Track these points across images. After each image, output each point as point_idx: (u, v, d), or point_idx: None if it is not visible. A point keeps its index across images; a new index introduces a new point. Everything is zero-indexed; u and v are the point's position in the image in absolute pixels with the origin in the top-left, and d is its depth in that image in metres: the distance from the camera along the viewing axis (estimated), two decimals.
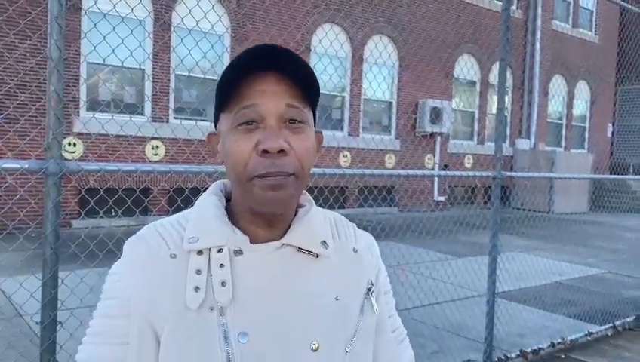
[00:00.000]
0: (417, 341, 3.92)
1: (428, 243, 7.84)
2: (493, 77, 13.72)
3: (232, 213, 0.83)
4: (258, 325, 0.76)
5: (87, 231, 3.31)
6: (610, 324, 4.49)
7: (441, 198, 12.62)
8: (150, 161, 8.48)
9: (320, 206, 0.93)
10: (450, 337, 4.10)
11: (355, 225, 0.94)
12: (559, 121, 16.04)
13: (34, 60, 7.49)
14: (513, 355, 3.70)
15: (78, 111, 8.07)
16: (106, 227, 6.58)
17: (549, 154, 13.66)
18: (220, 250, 0.78)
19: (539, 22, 14.59)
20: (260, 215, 0.79)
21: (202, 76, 8.74)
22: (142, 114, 8.64)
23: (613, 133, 17.72)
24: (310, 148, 0.79)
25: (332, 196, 9.87)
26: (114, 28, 2.92)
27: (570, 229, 10.74)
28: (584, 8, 16.38)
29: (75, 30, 7.70)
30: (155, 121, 8.61)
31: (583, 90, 16.55)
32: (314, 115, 0.83)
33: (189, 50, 4.08)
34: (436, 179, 12.36)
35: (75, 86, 7.92)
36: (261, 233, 0.80)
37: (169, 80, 8.84)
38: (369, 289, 0.87)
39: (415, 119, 12.22)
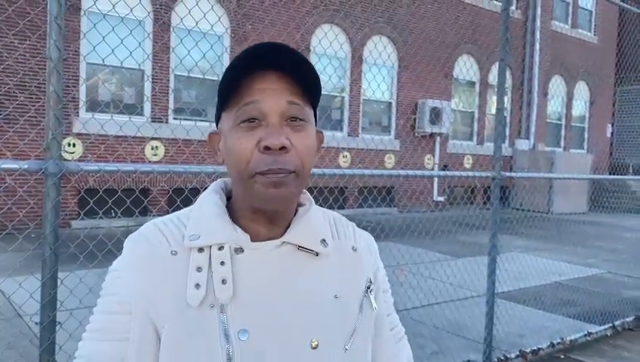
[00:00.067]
0: (417, 341, 3.92)
1: (427, 243, 7.84)
2: (493, 77, 13.73)
3: (232, 212, 0.83)
4: (258, 322, 0.76)
5: (86, 232, 3.31)
6: (610, 324, 4.49)
7: (441, 199, 12.63)
8: (149, 162, 8.48)
9: (319, 206, 0.93)
10: (450, 337, 4.10)
11: (354, 224, 0.94)
12: (558, 122, 16.05)
13: (33, 60, 7.49)
14: (513, 355, 3.71)
15: (78, 112, 8.07)
16: (105, 227, 6.58)
17: (548, 154, 13.67)
18: (220, 248, 0.78)
19: (538, 22, 14.60)
20: (261, 212, 0.79)
21: (202, 76, 8.76)
22: (141, 114, 8.64)
23: (612, 133, 17.73)
24: (311, 146, 0.79)
25: (332, 196, 9.87)
26: (113, 28, 2.92)
27: (570, 229, 10.75)
28: (583, 9, 16.39)
29: (74, 30, 7.70)
30: (154, 122, 8.61)
31: (582, 90, 16.56)
32: (315, 114, 0.83)
33: (189, 51, 4.09)
34: (436, 179, 12.36)
35: (74, 86, 7.92)
36: (262, 231, 0.81)
37: (168, 80, 8.84)
38: (368, 288, 0.88)
39: (414, 119, 12.22)
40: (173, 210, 0.90)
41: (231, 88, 0.77)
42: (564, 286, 6.02)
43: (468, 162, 13.40)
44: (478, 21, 13.37)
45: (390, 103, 12.10)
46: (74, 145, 7.96)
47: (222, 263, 0.77)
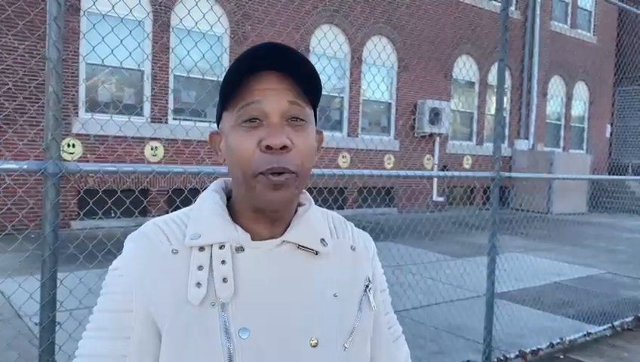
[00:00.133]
0: (417, 341, 3.93)
1: (427, 243, 7.85)
2: (492, 77, 13.74)
3: (232, 211, 0.84)
4: (259, 321, 0.77)
5: (86, 232, 3.31)
6: (609, 325, 4.49)
7: (440, 199, 12.63)
8: (149, 162, 8.48)
9: (319, 207, 0.93)
10: (450, 338, 4.11)
11: (352, 224, 0.95)
12: (558, 122, 16.06)
13: (32, 61, 7.49)
14: (512, 355, 3.71)
15: (77, 112, 8.07)
16: (105, 228, 6.58)
17: (547, 154, 13.67)
18: (221, 247, 0.79)
19: (537, 22, 14.60)
20: (262, 212, 0.80)
21: (201, 77, 8.76)
22: (141, 115, 8.64)
23: (611, 133, 17.74)
24: (311, 146, 0.80)
25: (331, 197, 9.88)
26: (113, 29, 2.92)
27: (569, 230, 10.76)
28: (582, 9, 16.40)
29: (74, 31, 7.70)
30: (153, 122, 8.61)
31: (581, 90, 16.57)
32: (315, 114, 0.84)
33: (188, 51, 4.08)
34: (435, 179, 12.36)
35: (73, 87, 7.92)
36: (262, 230, 0.82)
37: (168, 81, 8.84)
38: (367, 286, 0.88)
39: (414, 120, 12.22)
40: (173, 211, 0.90)
41: (232, 88, 0.77)
42: (563, 286, 6.03)
43: (467, 162, 13.40)
44: (478, 21, 13.38)
45: (390, 104, 12.11)
46: (73, 145, 7.96)
47: (223, 262, 0.78)
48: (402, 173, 3.08)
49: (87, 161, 7.94)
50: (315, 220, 0.85)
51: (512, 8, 14.16)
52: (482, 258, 4.89)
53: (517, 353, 3.74)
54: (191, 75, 8.76)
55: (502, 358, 3.64)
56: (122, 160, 8.21)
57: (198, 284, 0.76)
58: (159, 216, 0.87)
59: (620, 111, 18.02)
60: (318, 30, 10.55)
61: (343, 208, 10.86)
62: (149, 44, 8.57)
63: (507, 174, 3.62)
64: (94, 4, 2.74)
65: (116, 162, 7.99)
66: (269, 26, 9.59)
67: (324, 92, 0.83)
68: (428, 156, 12.63)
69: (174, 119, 8.88)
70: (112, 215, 7.55)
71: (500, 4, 3.53)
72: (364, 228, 1.02)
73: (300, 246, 0.82)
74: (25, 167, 1.85)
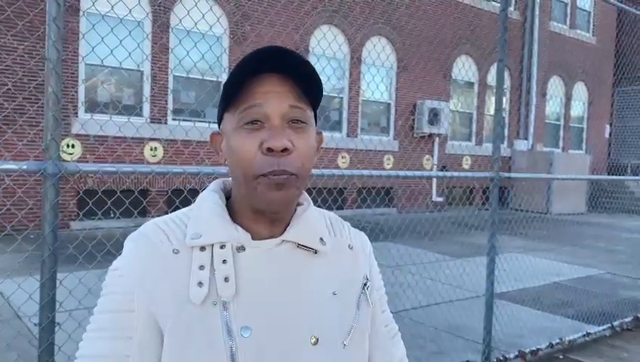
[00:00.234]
0: (416, 342, 3.93)
1: (426, 244, 7.85)
2: (491, 78, 13.75)
3: (232, 211, 0.84)
4: (260, 319, 0.78)
5: (85, 233, 3.31)
6: (609, 325, 4.49)
7: (440, 199, 12.64)
8: (148, 162, 8.48)
9: (318, 207, 0.94)
10: (449, 338, 4.11)
11: (348, 223, 0.96)
12: (557, 122, 16.07)
13: (32, 61, 7.49)
14: (512, 356, 3.71)
15: (77, 113, 8.07)
16: (104, 228, 6.58)
17: (546, 155, 13.68)
18: (222, 246, 0.79)
19: (537, 23, 14.61)
20: (262, 213, 0.81)
21: (200, 77, 8.76)
22: (140, 115, 8.64)
23: (610, 134, 17.76)
24: (312, 147, 0.81)
25: (331, 197, 9.88)
26: (112, 29, 2.92)
27: (568, 230, 10.76)
28: (581, 9, 16.41)
29: (73, 31, 7.70)
30: (153, 122, 8.61)
31: (580, 91, 16.58)
32: (315, 115, 0.85)
33: (188, 52, 4.08)
34: (434, 179, 12.37)
35: (73, 87, 7.92)
36: (262, 230, 0.82)
37: (167, 81, 8.84)
38: (365, 285, 0.90)
39: (413, 120, 12.23)
40: (173, 211, 0.90)
41: (235, 90, 0.78)
42: (562, 286, 6.03)
43: (466, 163, 13.41)
44: (477, 22, 13.38)
45: (389, 104, 12.11)
46: (73, 145, 7.96)
47: (224, 261, 0.78)
48: (402, 173, 3.09)
49: (87, 162, 7.94)
50: (313, 220, 0.87)
51: (511, 9, 14.17)
52: (482, 258, 4.90)
53: (516, 353, 3.75)
54: (190, 76, 8.76)
55: (501, 358, 3.64)
56: (122, 160, 8.21)
57: (200, 284, 0.77)
58: (159, 216, 0.87)
59: (619, 111, 18.03)
60: (318, 30, 10.56)
61: (342, 208, 10.86)
62: (149, 44, 8.57)
63: (506, 174, 3.62)
64: (94, 4, 2.74)
65: (115, 162, 7.99)
66: (269, 27, 9.59)
67: (323, 92, 0.82)
68: (427, 156, 12.63)
69: (174, 119, 8.88)
70: (112, 215, 7.54)
71: (499, 4, 3.53)
72: (363, 229, 1.02)
73: (299, 246, 0.83)
74: (24, 167, 1.85)
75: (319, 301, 0.82)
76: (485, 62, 13.72)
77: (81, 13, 7.75)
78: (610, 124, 17.72)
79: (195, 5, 3.92)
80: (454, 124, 13.32)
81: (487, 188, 3.56)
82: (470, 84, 13.69)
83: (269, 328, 0.78)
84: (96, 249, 2.67)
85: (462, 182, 12.90)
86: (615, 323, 4.54)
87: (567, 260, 7.48)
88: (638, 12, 5.12)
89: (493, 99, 13.80)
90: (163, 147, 8.68)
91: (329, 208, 10.17)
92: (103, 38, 2.93)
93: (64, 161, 1.96)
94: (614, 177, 5.09)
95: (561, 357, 3.89)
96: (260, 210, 0.80)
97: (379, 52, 11.05)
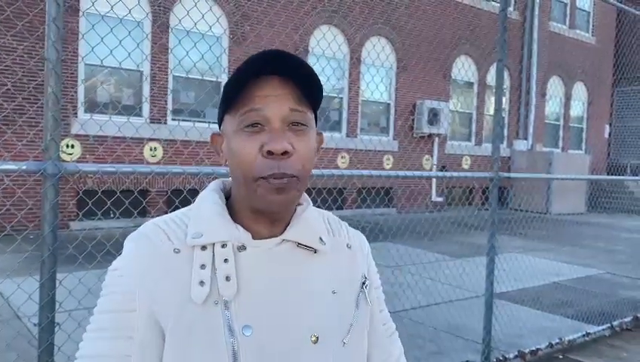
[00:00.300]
0: (416, 342, 3.93)
1: (426, 244, 7.85)
2: (491, 78, 13.74)
3: (232, 211, 0.85)
4: (261, 318, 0.78)
5: (85, 233, 3.31)
6: (608, 325, 4.50)
7: (439, 199, 12.64)
8: (148, 163, 8.48)
9: (318, 207, 0.95)
10: (449, 338, 4.11)
11: (346, 223, 0.97)
12: (556, 122, 16.07)
13: (31, 62, 7.48)
14: (511, 356, 3.71)
15: (76, 113, 8.07)
16: (104, 228, 6.58)
17: (546, 155, 13.69)
18: (223, 246, 0.80)
19: (536, 23, 14.61)
20: (262, 213, 0.81)
21: (200, 77, 8.76)
22: (140, 115, 8.63)
23: (610, 134, 17.77)
24: (312, 149, 0.82)
25: (330, 197, 9.88)
26: (112, 29, 2.92)
27: (568, 230, 10.77)
28: (581, 9, 16.42)
29: (73, 32, 7.70)
30: (152, 123, 8.61)
31: (580, 91, 16.59)
32: (315, 116, 0.86)
33: (187, 52, 4.08)
34: (434, 180, 12.37)
35: (72, 87, 7.91)
36: (262, 230, 0.83)
37: (167, 81, 8.84)
38: (363, 283, 0.91)
39: (413, 120, 12.23)
40: (172, 211, 0.90)
41: (236, 93, 0.79)
42: (562, 286, 6.03)
43: (466, 163, 13.41)
44: (476, 22, 13.39)
45: (388, 104, 12.11)
46: (72, 146, 7.96)
47: (225, 260, 0.79)
48: (401, 173, 3.09)
49: (86, 162, 7.94)
50: (313, 219, 0.87)
51: (511, 9, 14.18)
52: (481, 258, 4.90)
53: (516, 353, 3.75)
54: (190, 76, 8.76)
55: (501, 358, 3.64)
56: (121, 160, 8.21)
57: (202, 283, 0.77)
58: (158, 216, 0.87)
59: (618, 111, 18.04)
60: (317, 31, 10.56)
61: (342, 208, 10.86)
62: (148, 44, 8.57)
63: (506, 174, 3.63)
64: (93, 4, 2.74)
65: (115, 163, 7.99)
66: (268, 27, 9.59)
67: (323, 94, 0.83)
68: (427, 156, 12.63)
69: (173, 120, 8.89)
70: (111, 215, 7.54)
71: (498, 4, 3.53)
72: (363, 229, 1.03)
73: (299, 245, 0.84)
74: (24, 167, 1.85)
75: (319, 300, 0.83)
76: (485, 63, 13.73)
77: (80, 13, 7.75)
78: (610, 124, 17.72)
79: (195, 5, 3.92)
80: (454, 124, 13.33)
81: (487, 188, 3.56)
82: (470, 84, 13.69)
83: (270, 327, 0.78)
84: (96, 249, 2.67)
85: (461, 182, 12.91)
86: (615, 323, 4.54)
87: (566, 260, 7.48)
88: (637, 12, 5.13)
89: (492, 99, 13.80)
90: (162, 147, 8.68)
91: (329, 208, 10.18)
92: (102, 39, 2.93)
93: (64, 161, 1.96)
94: (614, 177, 5.10)
95: (560, 356, 3.89)
96: (260, 210, 0.81)
97: (378, 52, 11.05)
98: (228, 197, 0.88)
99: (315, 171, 2.68)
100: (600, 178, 5.08)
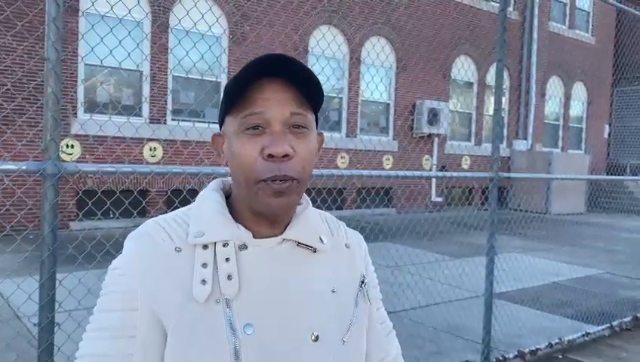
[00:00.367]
0: (415, 342, 3.93)
1: (426, 244, 7.85)
2: (491, 78, 13.75)
3: (232, 210, 0.85)
4: (262, 317, 0.79)
5: (84, 233, 3.31)
6: (608, 325, 4.50)
7: (439, 199, 12.64)
8: (148, 163, 8.48)
9: (317, 208, 0.95)
10: (448, 338, 4.11)
11: (343, 223, 0.98)
12: (556, 122, 16.08)
13: (31, 62, 7.48)
14: (511, 356, 3.71)
15: (76, 113, 8.07)
16: (104, 228, 6.58)
17: (546, 155, 13.69)
18: (225, 245, 0.80)
19: (536, 23, 14.62)
20: (262, 215, 0.82)
21: (200, 77, 8.76)
22: (139, 115, 8.63)
23: (609, 134, 17.77)
24: (312, 151, 0.83)
25: (330, 197, 9.88)
26: (111, 29, 2.92)
27: (568, 230, 10.77)
28: (580, 9, 16.43)
29: (72, 32, 7.70)
30: (152, 123, 8.61)
31: (579, 91, 16.59)
32: (316, 118, 0.87)
33: (187, 52, 4.09)
34: (434, 180, 12.37)
35: (72, 87, 7.91)
36: (262, 229, 0.84)
37: (167, 81, 8.83)
38: (362, 282, 0.92)
39: (412, 120, 12.23)
40: (172, 211, 0.90)
41: (237, 95, 0.79)
42: (562, 286, 6.03)
43: (466, 163, 13.42)
44: (476, 22, 13.39)
45: (388, 104, 12.11)
46: (72, 146, 7.96)
47: (227, 259, 0.79)
48: (401, 173, 3.09)
49: (86, 162, 7.93)
50: (313, 219, 0.88)
51: (510, 9, 14.18)
52: (481, 258, 4.90)
53: (516, 353, 3.75)
54: (190, 76, 8.76)
55: (500, 358, 3.64)
56: (121, 160, 8.21)
57: (204, 281, 0.78)
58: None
59: (618, 111, 18.04)
60: (317, 31, 10.56)
61: (341, 208, 10.86)
62: (148, 44, 8.57)
63: (506, 174, 3.63)
64: (93, 4, 2.74)
65: (115, 163, 7.99)
66: (268, 27, 9.59)
67: (324, 96, 0.83)
68: (426, 156, 12.64)
69: (173, 120, 8.89)
70: (111, 215, 7.55)
71: (498, 4, 3.54)
72: (363, 229, 1.03)
73: (299, 244, 0.85)
74: (24, 167, 1.85)
75: (319, 298, 0.84)
76: (484, 63, 13.73)
77: (80, 13, 7.75)
78: (609, 124, 17.73)
79: (195, 5, 3.92)
80: (453, 124, 13.33)
81: (487, 188, 3.57)
82: (469, 84, 13.69)
83: (271, 325, 0.79)
84: (96, 249, 2.68)
85: (461, 182, 12.91)
86: (614, 323, 4.54)
87: (566, 260, 7.48)
88: (637, 12, 5.13)
89: (492, 99, 13.80)
90: (162, 147, 8.67)
91: (328, 208, 10.18)
92: (102, 39, 2.93)
93: (63, 161, 1.96)
94: (613, 177, 5.10)
95: (560, 356, 3.89)
96: (261, 213, 0.81)
97: (378, 52, 11.05)
98: (227, 196, 0.88)
99: (314, 171, 2.68)
100: (599, 178, 5.08)
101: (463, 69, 13.14)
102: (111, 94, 8.38)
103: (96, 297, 0.82)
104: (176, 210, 0.87)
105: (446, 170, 12.50)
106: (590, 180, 11.74)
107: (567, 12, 16.04)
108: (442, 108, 12.24)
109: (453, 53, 13.04)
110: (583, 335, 4.22)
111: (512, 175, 3.84)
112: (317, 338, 0.81)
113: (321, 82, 0.82)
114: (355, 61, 11.27)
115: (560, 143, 16.12)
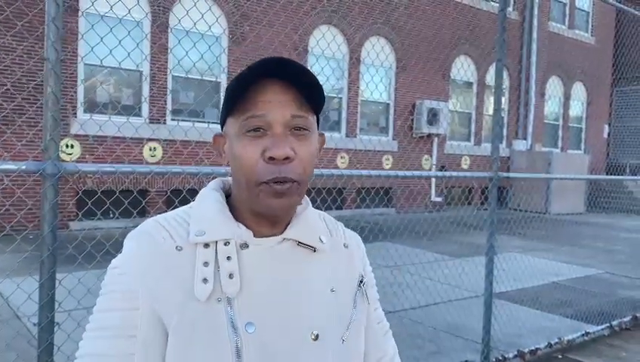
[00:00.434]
0: (415, 342, 3.93)
1: (425, 243, 7.85)
2: (490, 78, 13.75)
3: (232, 209, 0.86)
4: (263, 315, 0.79)
5: (84, 233, 3.31)
6: (607, 324, 4.50)
7: (439, 199, 12.64)
8: (147, 163, 8.48)
9: (317, 207, 0.96)
10: (448, 338, 4.11)
11: (342, 223, 0.99)
12: (556, 122, 16.08)
13: (31, 62, 7.48)
14: (511, 355, 3.71)
15: (76, 113, 8.06)
16: (103, 228, 6.58)
17: (545, 155, 13.69)
18: (226, 243, 0.81)
19: (535, 23, 14.62)
20: (263, 216, 0.83)
21: (200, 77, 8.76)
22: (139, 115, 8.63)
23: (609, 134, 17.78)
24: (313, 153, 0.83)
25: (330, 197, 9.88)
26: (111, 29, 2.92)
27: (567, 230, 10.77)
28: (580, 9, 16.43)
29: (72, 32, 7.70)
30: (152, 123, 8.61)
31: (579, 91, 16.60)
32: (317, 119, 0.87)
33: (187, 52, 4.09)
34: (433, 180, 12.37)
35: (72, 87, 7.91)
36: (262, 229, 0.84)
37: (166, 81, 8.83)
38: (361, 282, 0.93)
39: (412, 120, 12.24)
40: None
41: (238, 97, 0.79)
42: (561, 286, 6.04)
43: (465, 163, 13.42)
44: (476, 22, 13.39)
45: (388, 104, 12.11)
46: (72, 146, 7.96)
47: (228, 258, 0.80)
48: (401, 173, 3.09)
49: (86, 162, 7.93)
50: (312, 219, 0.89)
51: (510, 9, 14.18)
52: (480, 258, 4.90)
53: (515, 353, 3.75)
54: (189, 76, 8.76)
55: (500, 358, 3.65)
56: (121, 160, 8.21)
57: (205, 280, 0.78)
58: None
59: (617, 111, 18.05)
60: (317, 31, 10.56)
61: (341, 208, 10.86)
62: (148, 44, 8.57)
63: (505, 174, 3.63)
64: (93, 4, 2.74)
65: (115, 163, 7.99)
66: (268, 27, 9.59)
67: (325, 98, 0.84)
68: (426, 156, 12.64)
69: (173, 120, 8.89)
70: (111, 215, 7.54)
71: (497, 4, 3.54)
72: (362, 229, 1.04)
73: (299, 244, 0.85)
74: (23, 167, 1.85)
75: (319, 298, 0.84)
76: (484, 62, 13.73)
77: (80, 13, 7.75)
78: (609, 124, 17.73)
79: (194, 5, 3.92)
80: (453, 124, 13.33)
81: (486, 188, 3.57)
82: (469, 84, 13.70)
83: (272, 324, 0.79)
84: (96, 249, 2.68)
85: (461, 182, 12.91)
86: (614, 323, 4.55)
87: (565, 260, 7.48)
88: (636, 12, 5.13)
89: (491, 99, 13.81)
90: (162, 147, 8.67)
91: (328, 208, 10.18)
92: (102, 39, 2.93)
93: (63, 161, 1.97)
94: (613, 177, 5.10)
95: (559, 356, 3.89)
96: (261, 214, 0.82)
97: (378, 52, 11.05)
98: (227, 196, 0.89)
99: (314, 171, 2.68)
100: (599, 178, 5.08)
101: (463, 68, 13.14)
102: (111, 94, 8.38)
103: (96, 297, 0.82)
104: (176, 209, 0.87)
105: (446, 170, 12.50)
106: (590, 180, 11.75)
107: (567, 12, 16.04)
108: (442, 108, 12.25)
109: (453, 53, 13.04)
110: (583, 334, 4.23)
111: (512, 175, 3.84)
112: (317, 337, 0.82)
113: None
114: (354, 61, 11.27)
115: (559, 143, 16.12)
